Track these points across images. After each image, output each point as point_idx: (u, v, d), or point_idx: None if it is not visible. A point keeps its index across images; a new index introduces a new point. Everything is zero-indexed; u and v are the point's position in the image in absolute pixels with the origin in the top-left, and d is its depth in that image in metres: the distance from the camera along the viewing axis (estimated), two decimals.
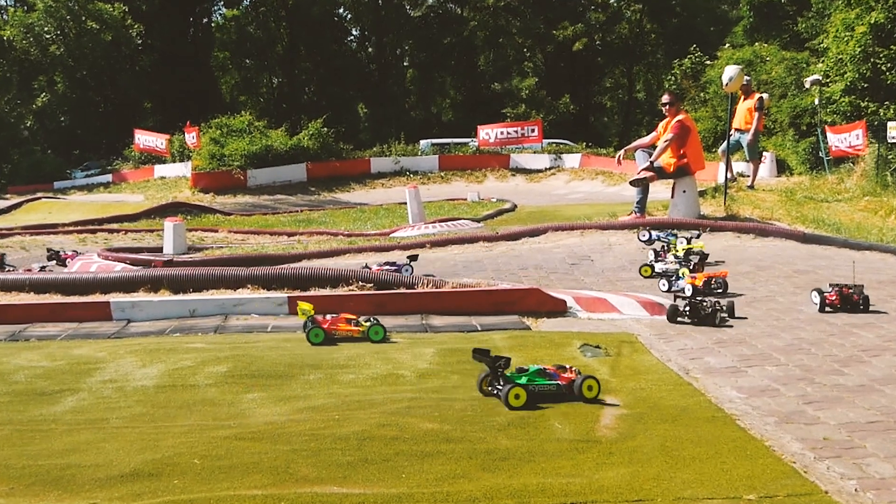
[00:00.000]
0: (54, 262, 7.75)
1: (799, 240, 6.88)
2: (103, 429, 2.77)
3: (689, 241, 6.03)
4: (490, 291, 4.73)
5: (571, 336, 4.07)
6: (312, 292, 4.83)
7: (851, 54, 11.46)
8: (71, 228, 10.98)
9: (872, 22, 11.16)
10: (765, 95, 10.72)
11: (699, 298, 4.41)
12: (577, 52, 30.70)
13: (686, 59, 20.46)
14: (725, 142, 9.34)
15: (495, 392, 3.01)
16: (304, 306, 4.00)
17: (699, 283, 4.92)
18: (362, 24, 35.50)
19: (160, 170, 20.48)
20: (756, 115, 9.79)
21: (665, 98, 7.75)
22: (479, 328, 4.26)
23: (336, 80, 32.11)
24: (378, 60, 34.74)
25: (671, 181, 7.76)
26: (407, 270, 5.63)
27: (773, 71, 15.03)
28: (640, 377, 3.36)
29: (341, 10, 34.92)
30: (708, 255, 5.89)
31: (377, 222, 10.80)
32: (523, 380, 2.99)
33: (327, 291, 4.86)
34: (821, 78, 12.18)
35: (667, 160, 7.48)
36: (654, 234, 6.72)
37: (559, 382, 3.01)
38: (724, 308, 4.30)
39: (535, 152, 18.53)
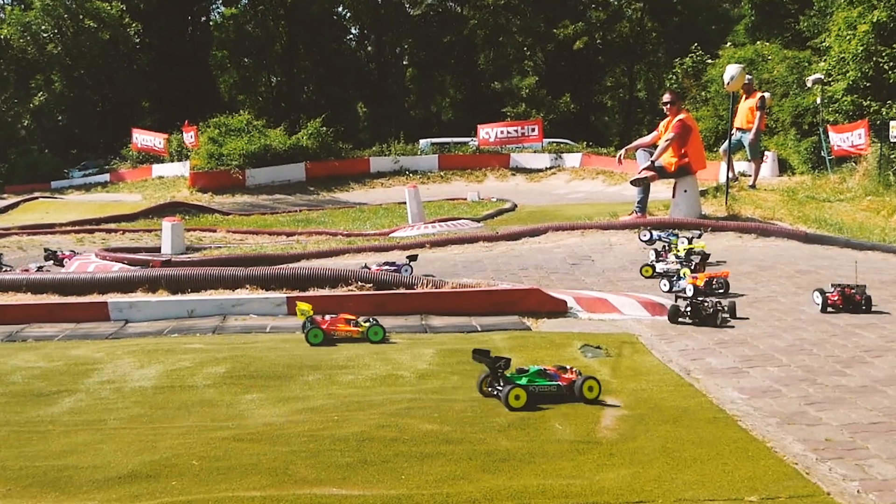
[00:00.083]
0: (52, 262, 7.73)
1: (801, 240, 6.87)
2: (101, 430, 2.75)
3: (690, 242, 6.02)
4: (490, 292, 4.71)
5: (572, 336, 4.06)
6: (311, 292, 4.82)
7: (853, 53, 11.43)
8: (68, 228, 10.97)
9: (875, 20, 11.14)
10: (766, 94, 10.69)
11: (700, 299, 4.40)
12: (578, 50, 30.65)
13: (687, 58, 20.43)
14: (727, 141, 9.33)
15: (495, 393, 3.00)
16: (303, 307, 3.98)
17: (700, 283, 4.91)
18: (361, 23, 35.45)
19: (158, 169, 20.44)
20: (758, 114, 9.77)
21: (666, 97, 7.73)
22: (479, 329, 4.24)
23: (335, 79, 32.06)
24: (377, 59, 34.71)
25: (672, 181, 7.75)
26: (406, 271, 5.62)
27: (775, 70, 15.00)
28: (641, 378, 3.35)
29: (340, 9, 34.88)
30: (709, 255, 5.88)
31: (376, 222, 10.79)
32: (523, 381, 2.98)
33: (326, 292, 4.85)
34: (823, 77, 12.16)
35: (668, 159, 7.46)
36: (656, 234, 6.70)
37: (559, 383, 3.00)
38: (726, 308, 4.28)
39: (535, 152, 18.51)
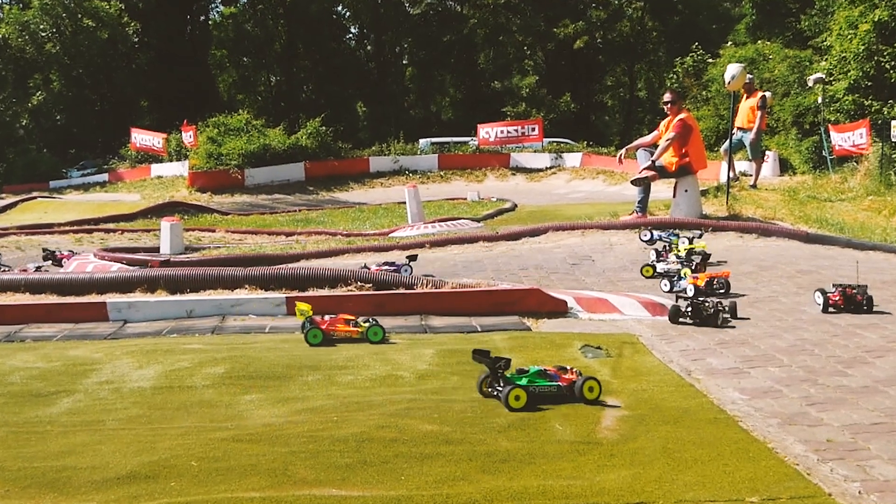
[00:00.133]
0: (50, 262, 7.72)
1: (802, 240, 6.86)
2: (99, 430, 2.75)
3: (690, 241, 6.01)
4: (490, 292, 4.70)
5: (572, 337, 4.05)
6: (311, 293, 4.81)
7: (855, 52, 11.41)
8: (67, 228, 10.95)
9: (876, 20, 11.12)
10: (767, 94, 10.67)
11: (701, 299, 4.39)
12: (578, 50, 30.62)
13: (688, 57, 20.40)
14: (728, 141, 9.31)
15: (495, 393, 2.99)
16: (303, 307, 3.97)
17: (701, 283, 4.90)
18: (361, 22, 35.40)
19: (157, 169, 20.42)
20: (759, 113, 9.75)
21: (667, 96, 7.72)
22: (479, 329, 4.23)
23: (335, 79, 32.02)
24: (377, 58, 34.67)
25: (673, 180, 7.74)
26: (406, 271, 5.61)
27: (776, 69, 14.97)
28: (642, 378, 3.34)
29: (340, 8, 34.83)
30: (710, 255, 5.87)
31: (376, 222, 10.78)
32: (524, 381, 2.97)
33: (326, 292, 4.84)
34: (824, 76, 12.14)
35: (668, 159, 7.45)
36: (656, 234, 6.69)
37: (560, 384, 2.99)
38: (727, 308, 4.27)
39: (535, 151, 18.50)
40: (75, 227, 11.04)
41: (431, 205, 12.25)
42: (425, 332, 4.20)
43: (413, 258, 5.92)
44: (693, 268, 5.29)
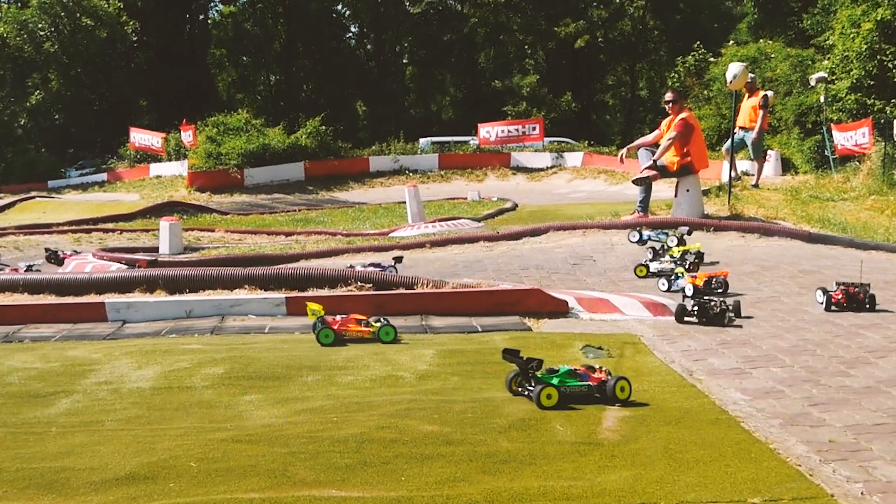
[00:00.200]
0: (53, 261, 7.71)
1: (804, 239, 6.85)
2: (98, 431, 2.74)
3: (679, 239, 5.99)
4: (491, 292, 4.69)
5: (573, 337, 4.04)
6: (311, 293, 4.79)
7: (857, 51, 11.37)
8: (65, 228, 10.91)
9: (879, 18, 11.08)
10: (769, 93, 10.65)
11: (707, 298, 4.38)
12: (579, 49, 30.56)
13: (689, 56, 20.34)
14: (730, 140, 9.29)
15: (525, 393, 3.00)
16: (314, 307, 3.96)
17: (700, 282, 4.89)
18: (361, 21, 35.37)
19: (156, 168, 20.38)
20: (760, 112, 9.73)
21: (668, 96, 7.71)
22: (480, 329, 4.22)
23: (334, 78, 31.98)
24: (377, 58, 34.64)
25: (674, 180, 7.72)
26: (391, 272, 5.55)
27: (778, 68, 14.91)
28: (643, 379, 3.32)
29: (340, 7, 34.78)
30: (703, 254, 5.87)
31: (376, 222, 10.76)
32: (555, 381, 2.97)
33: (326, 292, 4.82)
34: (826, 75, 12.11)
35: (670, 158, 7.43)
36: (646, 234, 6.68)
37: (590, 383, 2.99)
38: (731, 308, 4.26)
39: (536, 151, 18.47)
40: (74, 227, 11.01)
41: (432, 204, 12.24)
42: (426, 332, 4.19)
43: (399, 260, 5.85)
44: (687, 267, 5.28)
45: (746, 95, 9.92)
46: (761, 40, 17.81)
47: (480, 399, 3.05)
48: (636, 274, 5.63)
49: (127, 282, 4.96)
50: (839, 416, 2.84)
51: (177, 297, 4.74)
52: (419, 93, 35.27)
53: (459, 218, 9.81)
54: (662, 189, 8.57)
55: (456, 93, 34.79)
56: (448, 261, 6.57)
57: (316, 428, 2.71)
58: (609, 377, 2.99)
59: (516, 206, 11.64)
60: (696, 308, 4.22)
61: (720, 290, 4.93)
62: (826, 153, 11.98)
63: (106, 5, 27.20)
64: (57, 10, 26.47)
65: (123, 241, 9.75)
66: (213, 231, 10.48)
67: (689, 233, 6.30)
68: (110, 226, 11.42)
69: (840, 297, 4.43)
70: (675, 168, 7.49)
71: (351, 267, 5.51)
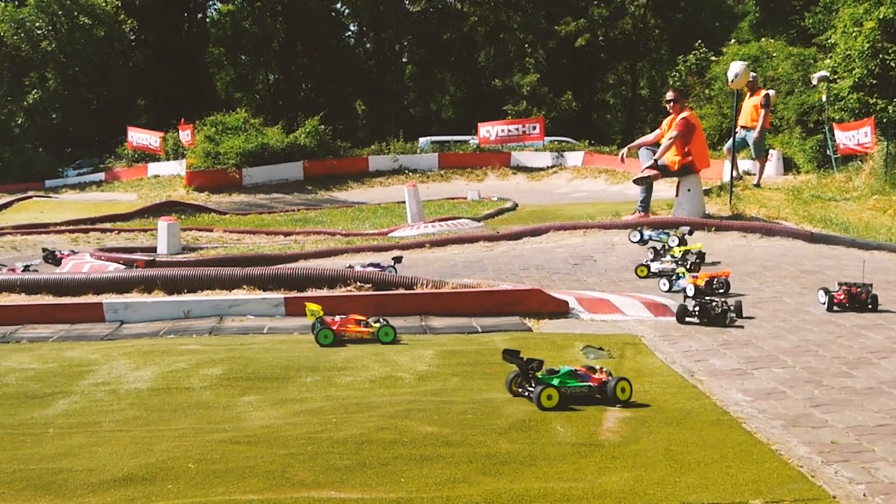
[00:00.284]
0: (50, 261, 7.69)
1: (806, 239, 6.83)
2: (96, 432, 2.72)
3: (680, 239, 5.99)
4: (491, 292, 4.68)
5: (574, 338, 4.02)
6: (310, 293, 4.78)
7: (860, 50, 11.35)
8: (63, 228, 10.89)
9: (881, 17, 11.07)
10: (771, 92, 10.63)
11: (709, 298, 4.37)
12: (580, 47, 30.55)
13: (691, 55, 20.33)
14: (731, 139, 9.28)
15: (526, 394, 2.99)
16: (313, 307, 3.94)
17: (701, 282, 4.87)
18: (360, 20, 35.33)
19: (154, 168, 20.36)
20: (762, 112, 9.71)
21: (669, 95, 7.69)
22: (480, 330, 4.21)
23: (333, 77, 31.95)
24: (376, 56, 34.61)
25: (675, 179, 7.71)
26: (390, 272, 5.53)
27: (780, 67, 14.90)
28: (644, 379, 3.31)
29: (339, 5, 34.75)
30: (705, 254, 5.86)
31: (375, 221, 10.75)
32: (555, 381, 2.96)
33: (325, 292, 4.80)
34: (828, 74, 12.10)
35: (671, 158, 7.42)
36: (647, 233, 6.67)
37: (591, 384, 2.99)
38: (733, 308, 4.25)
39: (536, 150, 18.46)
40: (71, 227, 10.99)
41: (431, 204, 12.23)
42: (425, 332, 4.18)
43: (398, 260, 5.83)
44: (688, 267, 5.27)
45: (748, 94, 9.90)
46: (763, 39, 17.80)
47: (480, 400, 3.03)
48: (637, 274, 5.62)
49: (125, 282, 4.95)
50: (841, 417, 2.83)
51: (175, 298, 4.72)
52: (419, 92, 35.24)
53: (459, 218, 9.80)
54: (663, 189, 8.56)
55: (456, 92, 34.77)
56: (448, 261, 6.56)
57: (315, 429, 2.70)
58: (610, 378, 2.98)
59: (516, 205, 11.64)
60: (697, 308, 4.21)
61: (721, 291, 4.92)
62: (828, 153, 11.97)
63: (104, 4, 27.16)
64: (54, 9, 26.42)
65: (121, 241, 9.73)
66: (211, 231, 10.46)
67: (691, 233, 6.29)
68: (108, 226, 11.40)
69: (842, 297, 4.41)
70: (676, 167, 7.47)
71: (350, 267, 5.50)
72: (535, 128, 18.94)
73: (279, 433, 2.67)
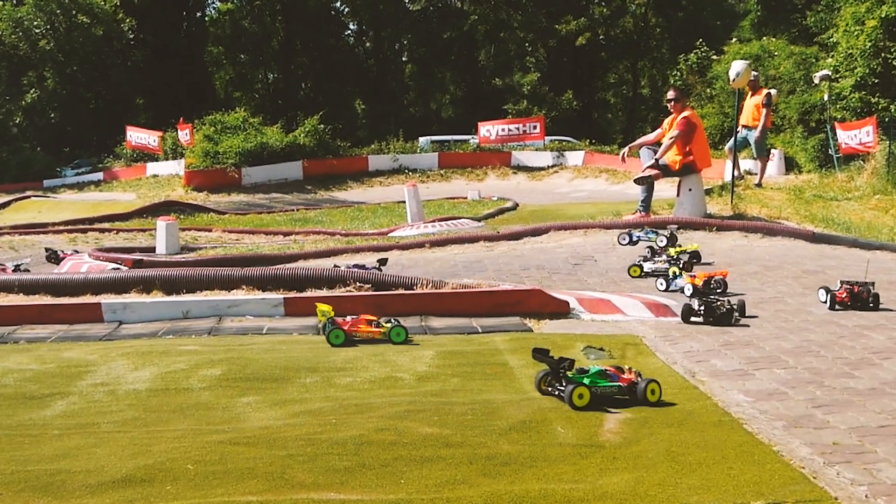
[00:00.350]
0: (52, 261, 7.70)
1: (808, 239, 6.82)
2: (94, 433, 2.72)
3: (668, 238, 5.96)
4: (491, 292, 4.66)
5: (574, 338, 4.01)
6: (309, 293, 4.76)
7: (861, 49, 11.34)
8: (61, 228, 10.86)
9: (883, 16, 11.06)
10: (773, 91, 10.60)
11: (714, 297, 4.36)
12: (581, 46, 30.51)
13: (692, 54, 20.31)
14: (732, 139, 9.27)
15: (556, 393, 2.98)
16: (324, 307, 3.94)
17: (699, 282, 4.86)
18: (360, 19, 35.29)
19: (153, 168, 20.35)
20: (764, 111, 9.69)
21: (670, 94, 7.69)
22: (480, 330, 4.19)
23: (333, 76, 31.91)
24: (376, 55, 34.57)
25: (677, 179, 7.70)
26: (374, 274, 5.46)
27: (782, 66, 14.89)
28: None
29: (338, 4, 34.71)
30: (700, 253, 5.84)
31: (375, 221, 10.74)
32: (586, 381, 2.95)
33: (324, 292, 4.79)
34: (830, 73, 12.08)
35: (672, 157, 7.41)
36: (636, 234, 6.67)
37: (621, 384, 2.98)
38: (736, 307, 4.24)
39: (537, 150, 18.45)
40: (70, 227, 10.97)
41: (431, 204, 12.22)
42: (425, 333, 4.16)
43: (383, 262, 5.78)
44: (681, 267, 5.25)
45: (749, 94, 9.88)
46: (764, 38, 17.79)
47: (480, 401, 3.02)
48: (629, 274, 5.61)
49: (123, 282, 4.94)
50: (843, 417, 2.82)
51: (174, 298, 4.71)
52: (419, 91, 35.21)
53: (459, 217, 9.79)
54: (664, 188, 8.54)
55: (456, 91, 34.74)
56: (448, 261, 6.54)
57: (314, 430, 2.69)
58: (640, 379, 2.97)
59: (517, 205, 11.63)
60: (702, 308, 4.20)
61: (719, 290, 4.91)
62: (830, 152, 11.96)
63: (102, 2, 27.15)
64: (53, 8, 26.39)
65: (120, 241, 9.70)
66: (210, 231, 10.44)
67: (678, 229, 6.25)
68: (106, 225, 11.39)
69: (844, 295, 4.40)
70: (677, 167, 7.46)
71: (336, 267, 5.46)
72: (535, 127, 18.93)
73: (278, 434, 2.66)
